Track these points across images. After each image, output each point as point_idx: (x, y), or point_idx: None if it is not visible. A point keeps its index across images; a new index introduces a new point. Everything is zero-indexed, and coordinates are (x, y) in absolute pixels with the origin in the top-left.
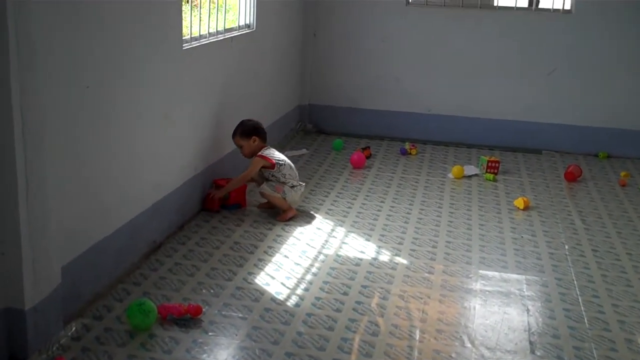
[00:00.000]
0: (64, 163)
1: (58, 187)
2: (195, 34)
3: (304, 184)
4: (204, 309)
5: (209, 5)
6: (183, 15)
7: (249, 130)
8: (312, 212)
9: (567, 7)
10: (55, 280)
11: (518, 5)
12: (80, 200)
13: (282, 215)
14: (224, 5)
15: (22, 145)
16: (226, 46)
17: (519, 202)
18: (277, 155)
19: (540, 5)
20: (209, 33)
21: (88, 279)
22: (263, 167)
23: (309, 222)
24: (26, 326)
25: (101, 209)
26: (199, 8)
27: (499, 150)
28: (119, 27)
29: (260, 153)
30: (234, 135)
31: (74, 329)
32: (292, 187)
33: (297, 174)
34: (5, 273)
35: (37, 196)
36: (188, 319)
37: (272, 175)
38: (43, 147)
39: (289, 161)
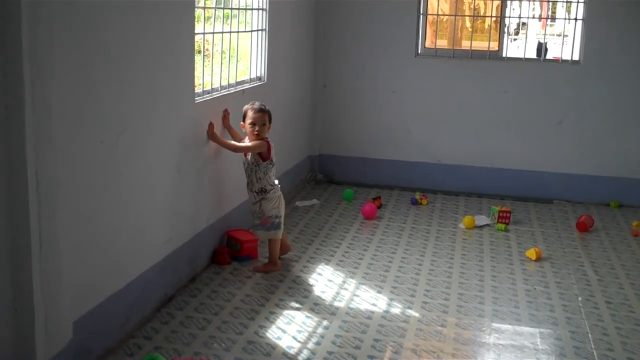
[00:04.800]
0: (76, 218)
1: (69, 242)
2: (207, 85)
3: (279, 185)
4: None
5: (221, 56)
6: (195, 66)
7: (271, 117)
8: (323, 264)
9: (576, 57)
10: (66, 335)
11: (527, 57)
12: (91, 255)
13: (264, 265)
14: (235, 56)
15: (36, 203)
16: (238, 98)
17: (531, 253)
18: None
19: (549, 56)
20: (220, 86)
21: (99, 334)
22: (259, 154)
23: (320, 274)
24: None
25: (112, 264)
26: (210, 58)
27: (510, 200)
28: (132, 81)
29: (268, 140)
30: (267, 113)
31: None
32: (267, 197)
33: (275, 182)
34: (18, 329)
35: (50, 253)
36: None
37: (256, 170)
38: (56, 204)
39: (276, 181)
